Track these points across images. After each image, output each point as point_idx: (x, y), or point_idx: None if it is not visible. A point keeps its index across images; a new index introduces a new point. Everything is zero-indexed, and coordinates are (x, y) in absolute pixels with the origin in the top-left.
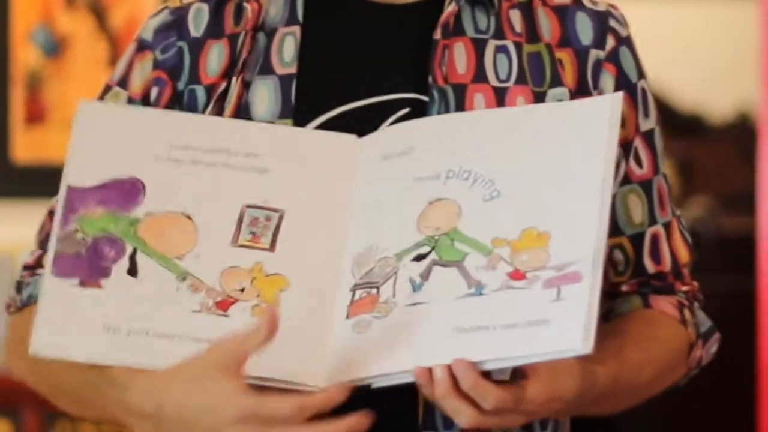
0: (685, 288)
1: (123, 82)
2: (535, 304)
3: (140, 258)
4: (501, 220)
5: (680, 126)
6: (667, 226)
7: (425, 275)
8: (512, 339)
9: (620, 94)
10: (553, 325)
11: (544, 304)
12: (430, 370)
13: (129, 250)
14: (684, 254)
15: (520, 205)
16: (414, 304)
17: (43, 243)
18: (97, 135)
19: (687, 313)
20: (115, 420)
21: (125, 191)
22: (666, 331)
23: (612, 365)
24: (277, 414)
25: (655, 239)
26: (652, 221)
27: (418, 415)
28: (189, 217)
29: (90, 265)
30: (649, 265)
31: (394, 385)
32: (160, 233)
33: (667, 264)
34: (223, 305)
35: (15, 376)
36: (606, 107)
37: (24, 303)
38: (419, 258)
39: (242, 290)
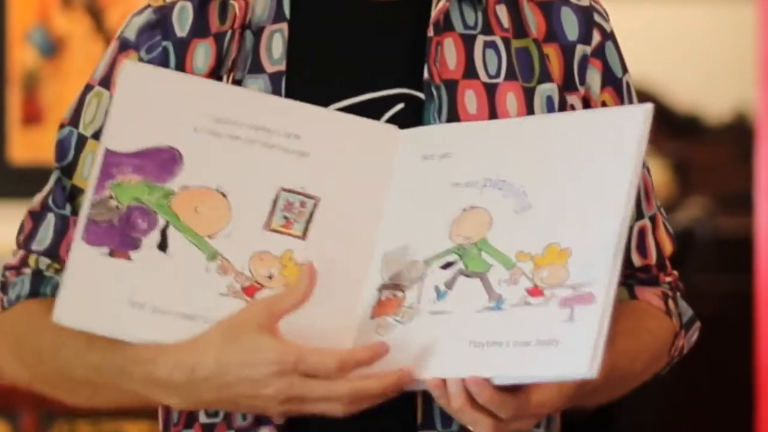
0: (668, 279)
1: (105, 82)
2: (548, 322)
3: (171, 233)
4: (528, 234)
5: (677, 126)
6: (653, 219)
7: (450, 284)
8: (523, 358)
9: (650, 105)
10: (562, 346)
11: (557, 323)
12: (445, 382)
13: (161, 223)
14: (668, 246)
15: (548, 218)
16: (436, 313)
17: (24, 243)
18: (139, 98)
19: (671, 303)
20: (134, 399)
21: (162, 161)
22: (653, 322)
23: (608, 357)
24: (319, 368)
25: (642, 233)
26: (640, 215)
27: (416, 414)
28: (224, 195)
29: (121, 235)
30: (636, 259)
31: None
32: (194, 208)
33: (653, 257)
34: (250, 291)
35: (5, 378)
36: (639, 119)
37: (12, 302)
38: (447, 266)
39: (270, 277)
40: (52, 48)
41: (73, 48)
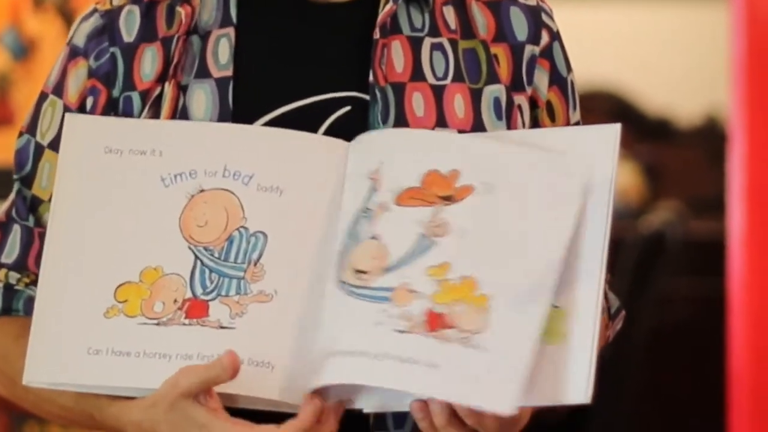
0: None
1: (58, 90)
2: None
3: None
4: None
5: (648, 130)
6: None
7: None
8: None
9: (618, 126)
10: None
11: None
12: (426, 404)
13: None
14: None
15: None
16: None
17: None
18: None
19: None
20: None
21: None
22: None
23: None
24: None
25: None
26: None
27: (368, 416)
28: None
29: None
30: None
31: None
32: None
33: None
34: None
35: None
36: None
37: None
38: None
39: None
40: (23, 50)
41: (44, 50)
